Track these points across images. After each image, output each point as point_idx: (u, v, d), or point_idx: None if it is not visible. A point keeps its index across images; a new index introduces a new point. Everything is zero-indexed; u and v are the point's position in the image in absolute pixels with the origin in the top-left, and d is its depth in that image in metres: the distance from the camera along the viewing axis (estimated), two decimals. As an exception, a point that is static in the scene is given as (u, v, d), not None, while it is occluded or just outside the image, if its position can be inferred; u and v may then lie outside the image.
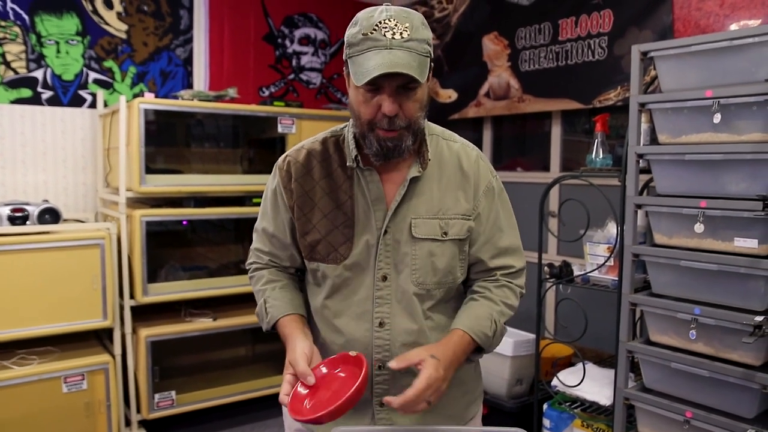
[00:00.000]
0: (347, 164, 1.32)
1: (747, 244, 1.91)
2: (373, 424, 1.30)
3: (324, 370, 1.23)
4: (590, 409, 2.55)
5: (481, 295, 1.34)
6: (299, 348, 1.23)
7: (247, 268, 1.49)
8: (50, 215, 2.87)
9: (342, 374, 1.21)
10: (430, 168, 1.33)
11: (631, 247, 2.18)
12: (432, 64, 1.26)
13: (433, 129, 1.40)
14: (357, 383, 1.11)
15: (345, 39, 1.23)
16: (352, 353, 1.21)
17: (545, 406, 2.70)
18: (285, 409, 1.46)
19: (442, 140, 1.38)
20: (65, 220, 3.01)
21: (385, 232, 1.28)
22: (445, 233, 1.29)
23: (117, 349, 3.04)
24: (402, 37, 1.16)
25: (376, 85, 1.18)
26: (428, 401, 1.13)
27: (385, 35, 1.16)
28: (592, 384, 2.49)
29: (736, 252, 1.94)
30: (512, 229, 1.40)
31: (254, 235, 1.47)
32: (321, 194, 1.33)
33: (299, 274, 1.47)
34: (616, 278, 2.28)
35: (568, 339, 2.74)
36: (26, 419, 2.76)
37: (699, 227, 2.00)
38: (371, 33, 1.16)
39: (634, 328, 2.30)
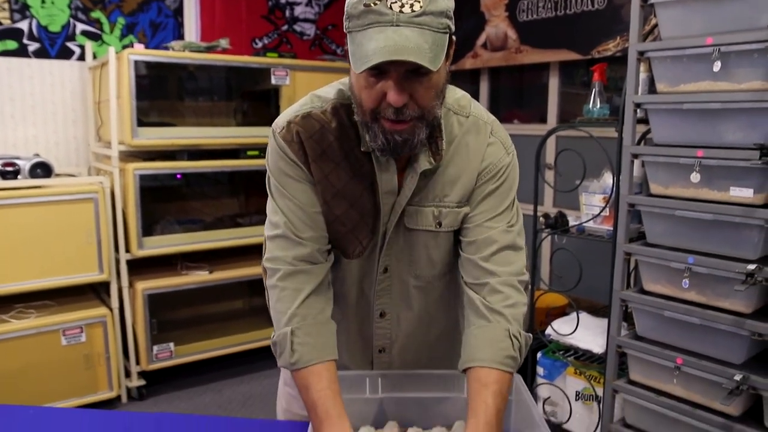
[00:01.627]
0: (362, 148, 1.12)
1: (742, 193, 1.91)
2: None
3: None
4: (583, 357, 2.59)
5: (482, 314, 1.12)
6: None
7: (267, 279, 1.18)
8: (42, 169, 2.84)
9: None
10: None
11: (627, 197, 2.18)
12: (453, 38, 1.03)
13: (445, 100, 1.14)
14: None
15: (345, 7, 1.00)
16: None
17: (539, 355, 2.75)
18: (281, 390, 1.44)
19: (453, 115, 1.17)
20: (57, 175, 2.98)
21: (387, 221, 1.17)
22: (439, 224, 1.18)
23: (114, 302, 3.06)
24: (413, 10, 0.93)
25: (379, 70, 0.96)
26: None
27: (391, 7, 0.93)
28: (586, 333, 2.53)
29: (731, 201, 1.94)
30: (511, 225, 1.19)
31: (267, 245, 1.17)
32: (345, 179, 1.14)
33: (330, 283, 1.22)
34: (611, 228, 2.29)
35: (562, 289, 2.77)
36: (27, 372, 2.80)
37: (695, 177, 1.99)
38: (374, 3, 0.94)
39: (628, 278, 2.32)
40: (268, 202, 1.19)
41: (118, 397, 3.14)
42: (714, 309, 2.01)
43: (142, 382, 3.20)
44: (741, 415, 2.02)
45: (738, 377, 1.92)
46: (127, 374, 3.20)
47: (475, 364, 1.07)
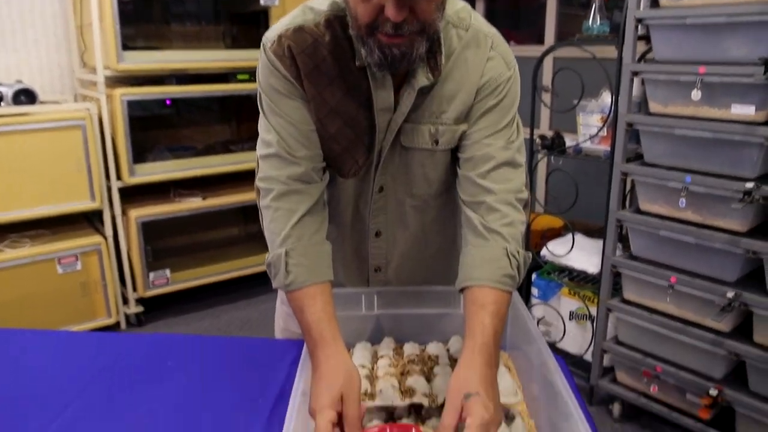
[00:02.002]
0: (357, 63, 1.06)
1: (743, 110, 1.87)
2: None
3: None
4: (578, 278, 2.62)
5: (480, 232, 1.08)
6: (354, 379, 0.93)
7: (260, 199, 1.14)
8: (26, 96, 2.77)
9: None
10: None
11: (626, 116, 2.14)
12: None
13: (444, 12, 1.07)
14: None
15: None
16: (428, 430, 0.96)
17: (534, 276, 2.77)
18: (279, 309, 1.44)
19: (452, 28, 1.10)
20: (42, 103, 2.90)
21: (383, 139, 1.11)
22: (436, 141, 1.12)
23: (108, 230, 3.05)
24: None
25: None
26: None
27: None
28: (581, 253, 2.54)
29: (732, 119, 1.90)
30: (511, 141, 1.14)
31: (260, 165, 1.13)
32: (339, 96, 1.09)
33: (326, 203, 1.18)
34: (609, 148, 2.26)
35: (558, 211, 2.76)
36: (24, 300, 2.82)
37: (696, 94, 1.95)
38: None
39: (624, 200, 2.31)
40: (260, 120, 1.14)
41: (117, 324, 3.18)
42: (709, 228, 2.01)
43: (140, 309, 3.24)
44: (731, 331, 2.06)
45: (730, 294, 1.94)
46: (125, 301, 3.23)
47: (472, 283, 1.03)
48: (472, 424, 0.82)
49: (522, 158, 1.13)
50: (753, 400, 1.99)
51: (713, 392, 2.03)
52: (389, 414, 1.01)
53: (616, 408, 2.42)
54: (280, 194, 1.09)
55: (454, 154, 1.17)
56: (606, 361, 2.45)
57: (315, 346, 0.99)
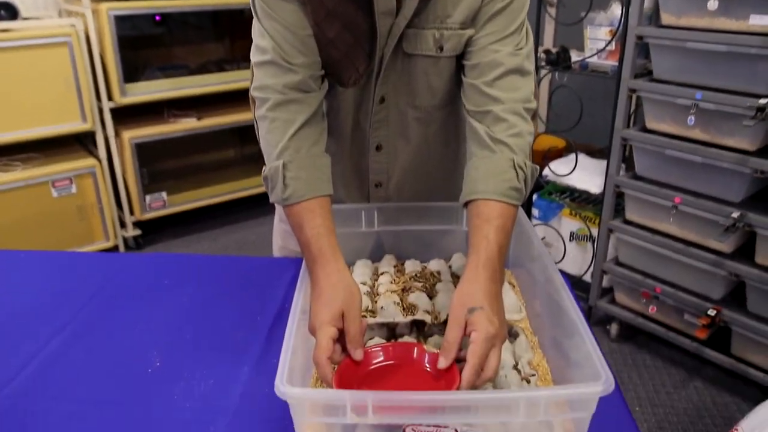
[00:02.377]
0: None
1: (763, 21, 1.78)
2: None
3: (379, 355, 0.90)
4: (579, 198, 2.59)
5: (485, 144, 1.01)
6: (355, 295, 0.89)
7: (255, 109, 1.08)
8: (6, 11, 2.64)
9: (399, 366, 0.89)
10: None
11: (636, 29, 2.04)
12: None
13: None
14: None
15: None
16: (431, 349, 0.88)
17: (534, 197, 2.74)
18: (277, 227, 1.40)
19: None
20: (25, 19, 2.78)
21: (384, 45, 1.05)
22: (441, 48, 1.06)
23: (102, 152, 2.98)
24: None
25: None
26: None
27: None
28: (583, 173, 2.50)
29: (750, 31, 1.81)
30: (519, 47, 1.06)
31: (255, 73, 1.06)
32: None
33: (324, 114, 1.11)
34: (617, 63, 2.17)
35: (561, 130, 2.69)
36: (20, 224, 2.79)
37: (713, 4, 1.85)
38: None
39: (629, 120, 2.24)
40: (253, 24, 1.06)
41: (116, 247, 3.17)
42: (717, 147, 1.96)
43: (138, 232, 3.22)
44: (732, 252, 2.04)
45: (735, 215, 1.91)
46: (123, 224, 3.21)
47: (476, 196, 0.97)
48: (477, 338, 0.79)
49: (531, 66, 1.06)
50: (750, 321, 1.99)
51: (711, 313, 2.03)
52: (391, 331, 0.99)
53: (614, 328, 2.44)
54: (277, 104, 1.02)
55: (459, 62, 1.10)
56: (605, 282, 2.45)
57: (314, 262, 0.94)
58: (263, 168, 1.05)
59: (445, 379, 0.81)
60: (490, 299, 0.85)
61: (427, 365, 0.87)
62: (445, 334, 0.83)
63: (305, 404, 0.72)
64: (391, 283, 1.08)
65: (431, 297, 1.04)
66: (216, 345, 1.05)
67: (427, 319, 0.97)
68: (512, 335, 1.00)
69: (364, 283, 1.07)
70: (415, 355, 0.88)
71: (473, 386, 0.78)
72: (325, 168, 1.05)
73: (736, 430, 1.47)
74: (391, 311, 0.98)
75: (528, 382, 0.87)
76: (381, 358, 0.88)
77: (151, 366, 1.00)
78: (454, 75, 1.12)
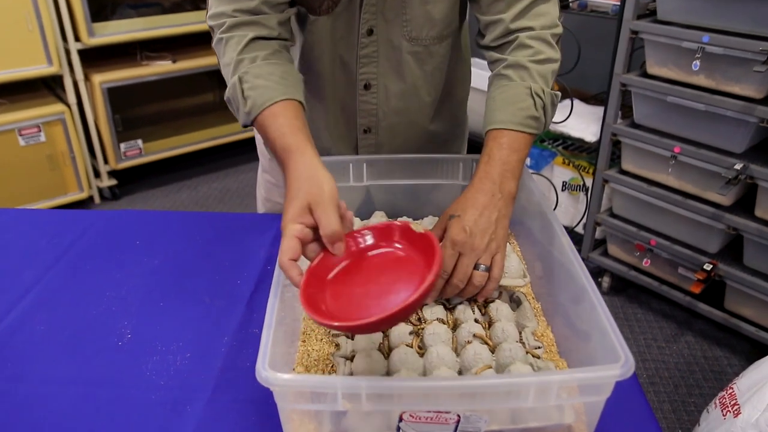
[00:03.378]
0: None
1: (777, -43, 1.66)
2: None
3: (364, 240, 0.77)
4: (573, 146, 2.49)
5: (503, 72, 0.96)
6: (325, 185, 0.74)
7: (213, 38, 0.97)
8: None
9: (390, 250, 0.75)
10: None
11: (641, -34, 1.91)
12: None
13: None
14: (428, 280, 0.64)
15: None
16: (418, 227, 0.74)
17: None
18: (260, 177, 1.31)
19: None
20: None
21: None
22: None
23: (71, 98, 2.82)
24: None
25: None
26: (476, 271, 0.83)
27: None
28: (579, 121, 2.40)
29: (761, -32, 1.70)
30: None
31: (210, 2, 0.97)
32: None
33: (284, 39, 0.99)
34: (618, 2, 2.04)
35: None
36: (-14, 173, 2.65)
37: (724, -62, 1.72)
38: None
39: (629, 65, 2.13)
40: None
41: (91, 198, 3.05)
42: (722, 94, 1.86)
43: (114, 182, 3.09)
44: (731, 205, 1.98)
45: (738, 166, 1.83)
46: (97, 174, 3.07)
47: (492, 126, 0.93)
48: (444, 242, 0.84)
49: None
50: (746, 275, 1.95)
51: (708, 267, 1.98)
52: None
53: (606, 281, 2.40)
54: (231, 26, 0.93)
55: None
56: (598, 234, 2.39)
57: (283, 163, 0.82)
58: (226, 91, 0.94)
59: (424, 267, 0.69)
60: (472, 209, 0.86)
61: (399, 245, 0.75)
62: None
63: (290, 392, 0.64)
64: None
65: None
66: (193, 313, 0.97)
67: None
68: (514, 301, 0.92)
69: None
70: (396, 238, 0.75)
71: (440, 287, 0.84)
72: (287, 74, 0.92)
73: (731, 388, 1.44)
74: None
75: (536, 356, 0.79)
76: (359, 247, 0.76)
77: (122, 338, 0.91)
78: (457, 2, 1.02)
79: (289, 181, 0.78)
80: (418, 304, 0.65)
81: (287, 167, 0.80)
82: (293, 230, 0.71)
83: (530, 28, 0.96)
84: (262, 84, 0.89)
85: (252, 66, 0.90)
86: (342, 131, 1.14)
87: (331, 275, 0.73)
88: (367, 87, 1.07)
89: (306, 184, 0.75)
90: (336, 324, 0.65)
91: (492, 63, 1.00)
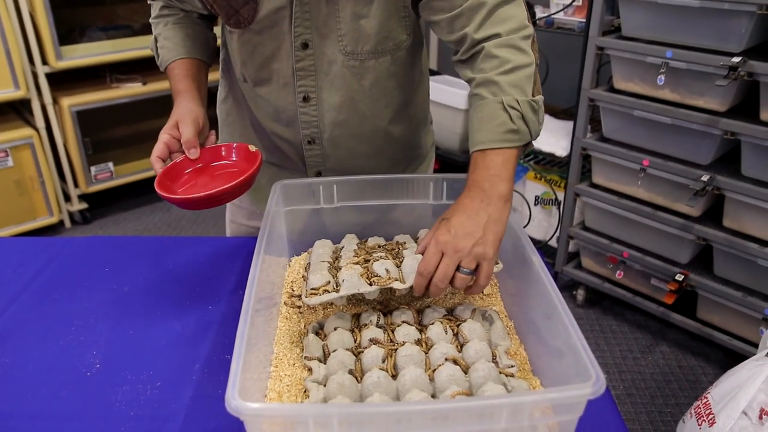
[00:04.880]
0: None
1: (735, -25, 1.71)
2: None
3: (221, 153, 1.06)
4: (544, 161, 2.52)
5: (474, 91, 0.94)
6: (191, 111, 1.03)
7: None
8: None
9: (232, 163, 1.05)
10: None
11: (604, -16, 1.95)
12: None
13: None
14: (242, 177, 0.94)
15: None
16: (252, 147, 1.04)
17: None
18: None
19: None
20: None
21: None
22: None
23: (39, 121, 2.78)
24: None
25: None
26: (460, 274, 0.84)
27: None
28: (549, 135, 2.43)
29: (720, -14, 1.74)
30: None
31: None
32: None
33: (211, 21, 1.20)
34: (584, 20, 2.08)
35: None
36: (-48, 199, 2.59)
37: (683, -43, 1.77)
38: None
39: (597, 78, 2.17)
40: None
41: (61, 222, 2.99)
42: (687, 108, 1.90)
43: (85, 206, 3.04)
44: (700, 216, 2.01)
45: (705, 177, 1.87)
46: (67, 198, 3.02)
47: (474, 149, 0.90)
48: (429, 242, 0.86)
49: None
50: (717, 284, 1.98)
51: (679, 278, 2.01)
52: (358, 302, 0.94)
53: (580, 294, 2.42)
54: (161, 7, 1.15)
55: (395, 5, 1.00)
56: (571, 247, 2.41)
57: (174, 101, 1.07)
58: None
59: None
60: (460, 212, 0.86)
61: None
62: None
63: (261, 421, 0.63)
64: (354, 256, 0.98)
65: (398, 266, 0.93)
66: (163, 340, 0.95)
67: (395, 285, 0.88)
68: (487, 320, 0.92)
69: (323, 261, 0.97)
70: (235, 154, 1.06)
71: (420, 285, 0.85)
72: (188, 37, 1.13)
73: (706, 398, 1.45)
74: (354, 282, 0.88)
75: (509, 375, 0.79)
76: (214, 158, 1.05)
77: (91, 369, 0.89)
78: (392, 18, 1.01)
79: (172, 111, 1.05)
80: (236, 189, 0.94)
81: (174, 104, 1.06)
82: (163, 138, 1.00)
83: (497, 35, 0.92)
84: (168, 45, 1.12)
85: (164, 28, 1.13)
86: (288, 141, 1.15)
87: (186, 172, 1.02)
88: (306, 99, 1.07)
89: (179, 110, 1.03)
90: (173, 197, 0.94)
91: (467, 82, 0.98)
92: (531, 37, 0.94)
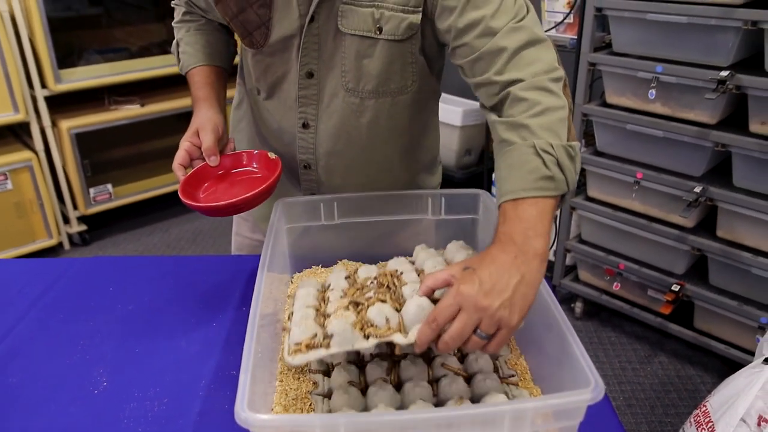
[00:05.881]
0: None
1: (720, -10, 1.75)
2: None
3: (241, 160, 1.10)
4: (539, 177, 2.55)
5: (502, 137, 0.85)
6: (211, 119, 1.06)
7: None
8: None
9: (252, 170, 1.08)
10: None
11: (594, 1, 1.99)
12: None
13: None
14: (264, 184, 0.98)
15: None
16: (272, 155, 1.06)
17: (494, 176, 2.69)
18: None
19: None
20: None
21: (312, 19, 0.98)
22: (380, 29, 0.97)
23: (38, 144, 2.80)
24: None
25: None
26: (481, 336, 0.71)
27: None
28: (544, 152, 2.45)
29: (709, 2, 1.78)
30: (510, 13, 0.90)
31: None
32: None
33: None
34: (575, 37, 2.13)
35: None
36: (-49, 223, 2.60)
37: (671, -26, 1.81)
38: None
39: (589, 93, 2.20)
40: None
41: (60, 245, 3.00)
42: (678, 121, 1.94)
43: (83, 227, 3.05)
44: (694, 227, 2.04)
45: (698, 189, 1.90)
46: (66, 220, 3.03)
47: (502, 200, 0.80)
48: (447, 292, 0.72)
49: (542, 31, 0.91)
50: (712, 294, 2.00)
51: (676, 288, 2.03)
52: (356, 356, 0.87)
53: (578, 306, 2.44)
54: (184, 12, 1.20)
55: (402, 51, 1.00)
56: (568, 260, 2.43)
57: (193, 109, 1.11)
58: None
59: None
60: (490, 264, 0.73)
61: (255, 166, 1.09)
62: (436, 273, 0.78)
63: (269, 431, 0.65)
64: (343, 297, 0.87)
65: (398, 309, 0.80)
66: (169, 357, 0.97)
67: (396, 339, 0.74)
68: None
69: (308, 306, 0.87)
70: (255, 162, 1.09)
71: (427, 338, 0.72)
72: (211, 45, 1.17)
73: (705, 406, 1.47)
74: (347, 337, 0.75)
75: (511, 385, 0.81)
76: (234, 164, 1.09)
77: (98, 386, 0.90)
78: (396, 62, 1.01)
79: (192, 118, 1.09)
80: (258, 197, 0.97)
81: (194, 111, 1.10)
82: (184, 145, 1.04)
83: (520, 80, 0.86)
84: (189, 51, 1.16)
85: (186, 34, 1.17)
86: (286, 162, 1.15)
87: (207, 179, 1.06)
88: (305, 126, 1.09)
89: (198, 118, 1.07)
90: (197, 204, 0.98)
91: (491, 128, 0.90)
92: (562, 79, 0.88)
